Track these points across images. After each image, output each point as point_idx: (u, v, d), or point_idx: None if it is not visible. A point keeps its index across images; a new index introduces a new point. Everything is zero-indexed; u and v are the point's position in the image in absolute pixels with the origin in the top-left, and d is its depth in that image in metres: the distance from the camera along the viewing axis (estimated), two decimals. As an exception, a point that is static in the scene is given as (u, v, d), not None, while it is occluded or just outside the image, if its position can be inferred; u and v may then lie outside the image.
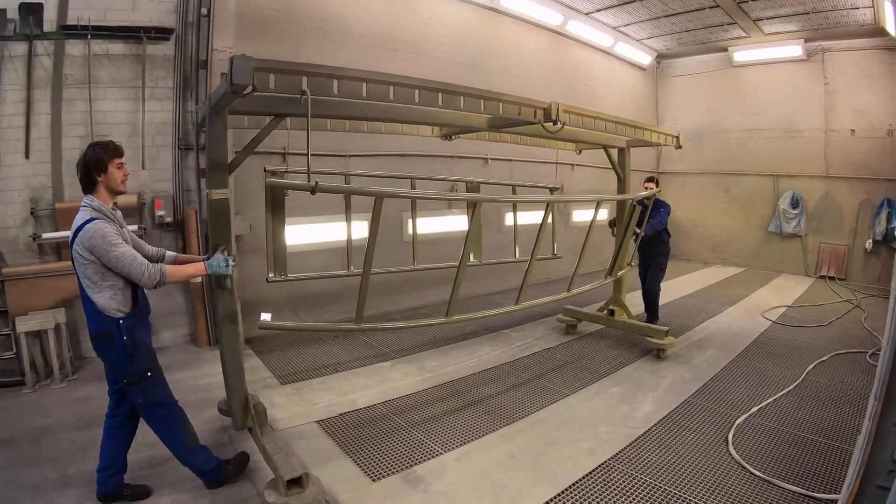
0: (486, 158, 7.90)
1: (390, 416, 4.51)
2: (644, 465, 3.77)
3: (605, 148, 6.35)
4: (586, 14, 10.84)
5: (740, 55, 12.39)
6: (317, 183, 3.01)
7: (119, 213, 3.23)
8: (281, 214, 4.46)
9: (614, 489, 3.48)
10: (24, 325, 5.40)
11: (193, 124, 6.32)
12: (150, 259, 3.34)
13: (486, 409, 4.70)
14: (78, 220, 2.98)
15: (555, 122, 4.28)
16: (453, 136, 5.61)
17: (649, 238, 6.66)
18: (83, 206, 3.03)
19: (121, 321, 3.05)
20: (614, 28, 11.72)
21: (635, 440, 4.14)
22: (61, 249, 5.92)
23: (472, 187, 6.03)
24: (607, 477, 3.63)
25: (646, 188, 6.72)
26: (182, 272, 3.28)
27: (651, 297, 7.06)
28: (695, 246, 13.81)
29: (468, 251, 4.18)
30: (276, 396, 4.89)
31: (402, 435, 4.19)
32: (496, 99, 3.93)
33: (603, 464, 3.79)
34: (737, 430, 4.27)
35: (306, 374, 5.51)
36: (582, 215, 11.38)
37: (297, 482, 3.18)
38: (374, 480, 3.58)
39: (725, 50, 12.53)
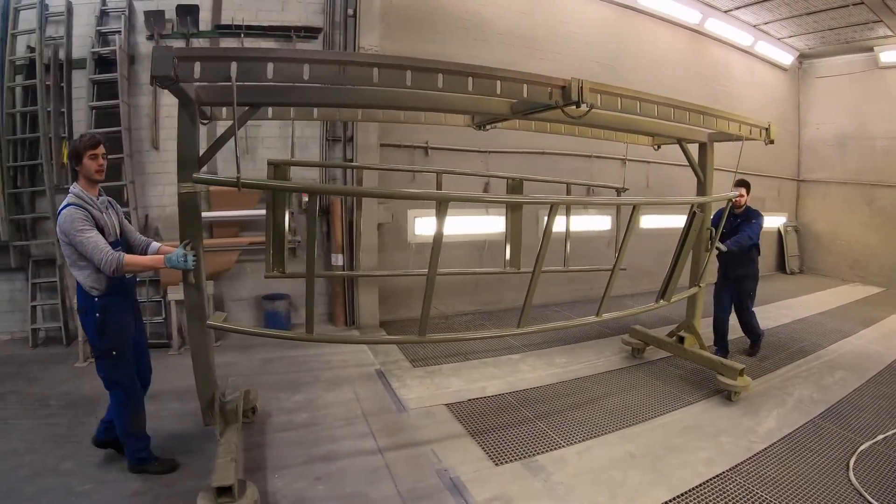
0: (623, 159, 7.68)
1: (517, 407, 4.62)
2: (761, 480, 3.67)
3: (681, 143, 5.06)
4: (725, 12, 10.34)
5: (887, 56, 11.32)
6: (238, 178, 2.82)
7: (105, 198, 3.43)
8: (281, 212, 4.37)
9: (730, 499, 3.42)
10: (175, 294, 6.02)
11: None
12: (136, 246, 3.59)
13: (609, 408, 4.71)
14: (61, 206, 3.21)
15: (578, 105, 3.34)
16: (486, 126, 4.69)
17: (736, 256, 5.55)
18: (69, 192, 3.23)
19: (95, 299, 3.25)
20: (754, 26, 11.10)
21: (755, 454, 4.02)
22: (213, 228, 6.45)
23: (515, 185, 5.14)
24: (724, 487, 3.57)
25: (740, 195, 5.55)
26: (139, 263, 3.30)
27: (747, 324, 6.10)
28: (832, 261, 12.84)
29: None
30: (409, 378, 5.15)
31: (526, 425, 4.30)
32: (489, 76, 3.11)
33: (720, 474, 3.73)
34: (859, 456, 4.03)
35: (437, 359, 5.70)
36: (659, 221, 9.93)
37: (227, 491, 2.98)
38: (497, 464, 3.73)
39: (871, 50, 11.48)
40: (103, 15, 6.62)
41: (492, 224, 7.42)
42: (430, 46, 7.04)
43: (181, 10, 6.57)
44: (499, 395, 4.85)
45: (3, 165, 6.45)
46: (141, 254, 3.57)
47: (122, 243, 3.47)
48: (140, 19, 6.63)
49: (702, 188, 5.32)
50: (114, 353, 3.36)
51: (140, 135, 6.47)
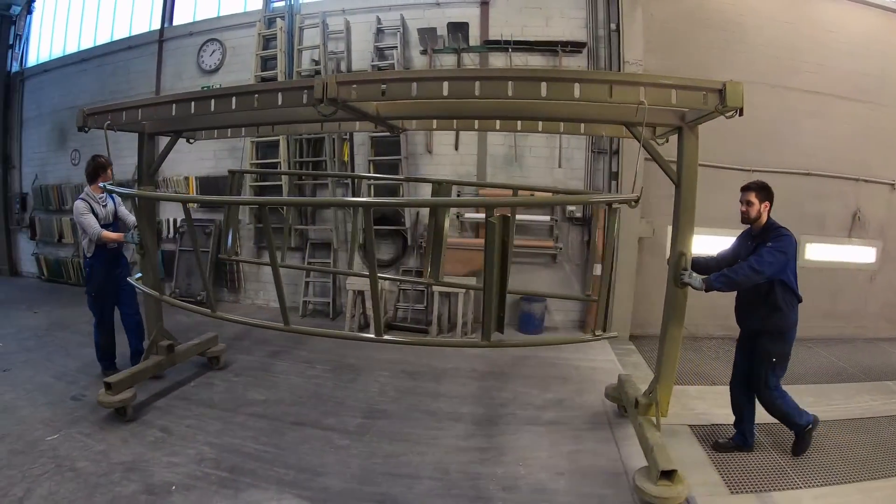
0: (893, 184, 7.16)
1: (760, 437, 4.41)
2: None
3: (628, 127, 3.85)
4: None
5: None
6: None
7: (104, 196, 5.05)
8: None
9: None
10: (439, 286, 6.42)
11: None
12: (130, 226, 5.21)
13: (853, 457, 4.25)
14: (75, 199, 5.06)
15: (321, 101, 3.09)
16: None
17: (748, 300, 3.99)
18: (82, 191, 5.03)
19: (88, 257, 5.04)
20: None
21: None
22: (479, 228, 7.01)
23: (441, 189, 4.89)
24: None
25: (747, 203, 3.93)
26: (109, 236, 4.91)
27: (776, 411, 4.08)
28: None
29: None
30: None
31: (767, 457, 4.14)
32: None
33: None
34: None
35: (685, 378, 5.62)
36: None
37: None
38: (732, 493, 3.62)
39: None
40: (379, 32, 7.53)
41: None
42: (693, 58, 7.03)
43: (452, 26, 7.24)
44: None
45: (291, 160, 7.57)
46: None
47: (116, 224, 5.19)
48: (413, 36, 7.43)
49: (678, 194, 3.80)
50: (93, 294, 5.13)
51: (415, 139, 7.29)
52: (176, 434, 4.28)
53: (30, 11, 11.83)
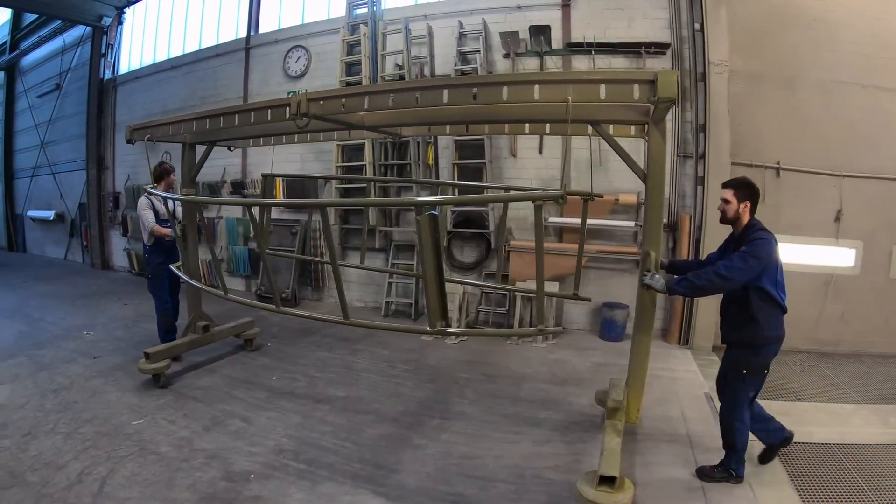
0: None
1: (841, 460, 4.28)
2: None
3: (593, 125, 3.91)
4: None
5: None
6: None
7: (165, 194, 5.26)
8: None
9: None
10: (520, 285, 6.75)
11: (692, 133, 6.78)
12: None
13: None
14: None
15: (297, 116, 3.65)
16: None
17: (725, 308, 3.73)
18: (146, 189, 5.55)
19: (147, 247, 5.89)
20: None
21: None
22: (564, 233, 7.09)
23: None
24: None
25: (724, 201, 3.63)
26: (160, 231, 5.73)
27: (725, 425, 3.75)
28: None
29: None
30: None
31: (848, 483, 3.96)
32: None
33: None
34: None
35: (768, 393, 5.36)
36: None
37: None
38: None
39: None
40: (461, 37, 7.69)
41: (840, 256, 6.97)
42: (781, 58, 6.90)
43: (534, 30, 7.33)
44: (824, 443, 4.56)
45: (376, 163, 7.86)
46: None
47: (172, 221, 5.47)
48: (496, 40, 7.57)
49: (646, 190, 3.76)
50: (150, 277, 5.98)
51: (499, 143, 7.38)
52: (257, 425, 4.51)
53: (120, 22, 12.62)
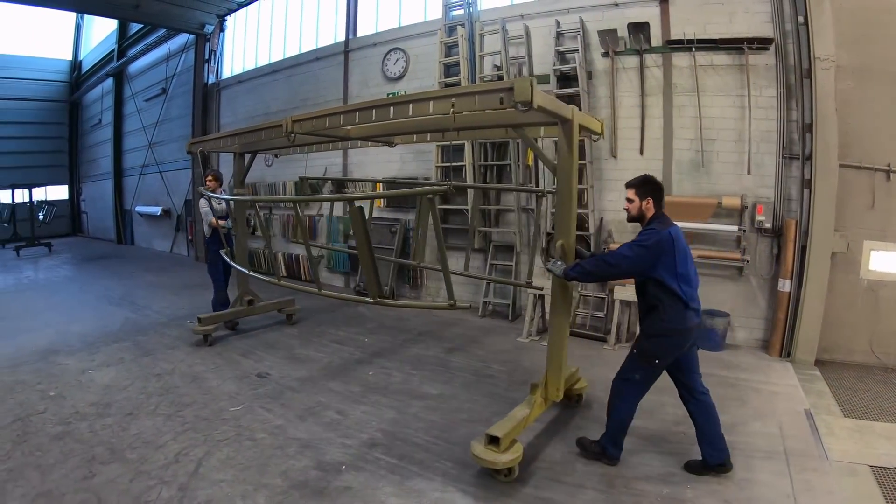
0: None
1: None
2: None
3: (514, 129, 4.76)
4: None
5: None
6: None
7: (221, 192, 7.15)
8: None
9: None
10: (620, 294, 6.88)
11: (798, 133, 6.61)
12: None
13: None
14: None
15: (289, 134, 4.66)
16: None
17: (636, 295, 3.91)
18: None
19: (207, 238, 7.35)
20: None
21: None
22: None
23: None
24: None
25: (628, 200, 3.88)
26: (213, 223, 6.97)
27: (611, 402, 3.97)
28: None
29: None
30: (837, 427, 4.80)
31: None
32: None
33: None
34: None
35: (871, 414, 5.22)
36: None
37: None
38: None
39: None
40: (559, 36, 7.80)
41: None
42: (889, 52, 6.48)
43: (632, 27, 7.32)
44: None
45: (475, 164, 8.17)
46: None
47: (227, 216, 7.16)
48: (594, 38, 7.64)
49: (557, 181, 4.26)
50: (209, 261, 7.50)
51: (599, 144, 7.40)
52: (351, 418, 4.68)
53: (222, 29, 13.53)
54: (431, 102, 3.74)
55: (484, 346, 6.85)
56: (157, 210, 15.69)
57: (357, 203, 4.23)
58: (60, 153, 21.97)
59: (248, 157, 7.25)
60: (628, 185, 3.89)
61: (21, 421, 4.54)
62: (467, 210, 7.92)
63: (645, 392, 3.90)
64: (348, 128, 5.46)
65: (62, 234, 20.69)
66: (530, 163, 7.81)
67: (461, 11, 8.45)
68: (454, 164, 8.33)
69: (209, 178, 7.20)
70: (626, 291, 6.78)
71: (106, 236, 19.53)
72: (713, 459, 3.80)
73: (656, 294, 3.67)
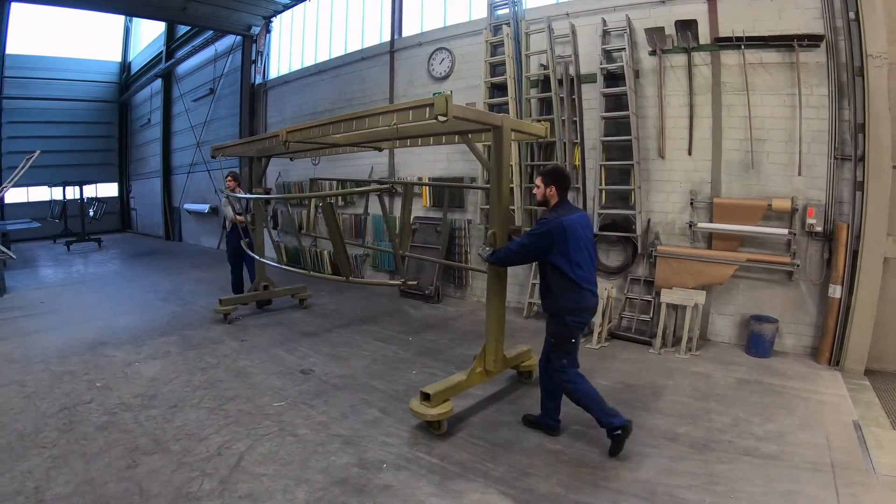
0: None
1: None
2: None
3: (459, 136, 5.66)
4: None
5: None
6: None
7: (239, 191, 8.33)
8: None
9: None
10: (667, 297, 6.86)
11: (850, 133, 6.47)
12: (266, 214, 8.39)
13: None
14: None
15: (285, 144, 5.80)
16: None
17: (540, 274, 4.43)
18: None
19: (227, 231, 8.85)
20: None
21: None
22: (713, 239, 7.01)
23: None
24: None
25: (536, 186, 4.47)
26: (235, 218, 8.28)
27: (568, 395, 4.27)
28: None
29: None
30: (886, 439, 4.70)
31: None
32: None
33: None
34: None
35: None
36: None
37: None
38: None
39: None
40: (605, 34, 7.83)
41: None
42: None
43: (680, 25, 7.27)
44: None
45: (522, 164, 8.29)
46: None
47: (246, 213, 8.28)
48: (641, 36, 7.65)
49: (491, 178, 5.03)
50: (229, 252, 8.82)
51: (647, 144, 7.49)
52: (394, 416, 4.73)
53: (268, 31, 13.96)
54: (381, 117, 4.47)
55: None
56: (205, 207, 16.23)
57: (328, 200, 5.99)
58: (110, 152, 22.95)
59: (263, 160, 8.30)
60: (539, 173, 4.63)
61: (68, 410, 4.76)
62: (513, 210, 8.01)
63: (577, 362, 4.31)
64: (336, 136, 6.22)
65: (112, 231, 21.62)
66: (577, 162, 7.90)
67: (506, 10, 8.55)
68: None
69: (228, 178, 8.27)
70: (672, 295, 6.82)
71: (155, 233, 20.33)
72: (553, 422, 4.47)
73: (553, 277, 4.16)
